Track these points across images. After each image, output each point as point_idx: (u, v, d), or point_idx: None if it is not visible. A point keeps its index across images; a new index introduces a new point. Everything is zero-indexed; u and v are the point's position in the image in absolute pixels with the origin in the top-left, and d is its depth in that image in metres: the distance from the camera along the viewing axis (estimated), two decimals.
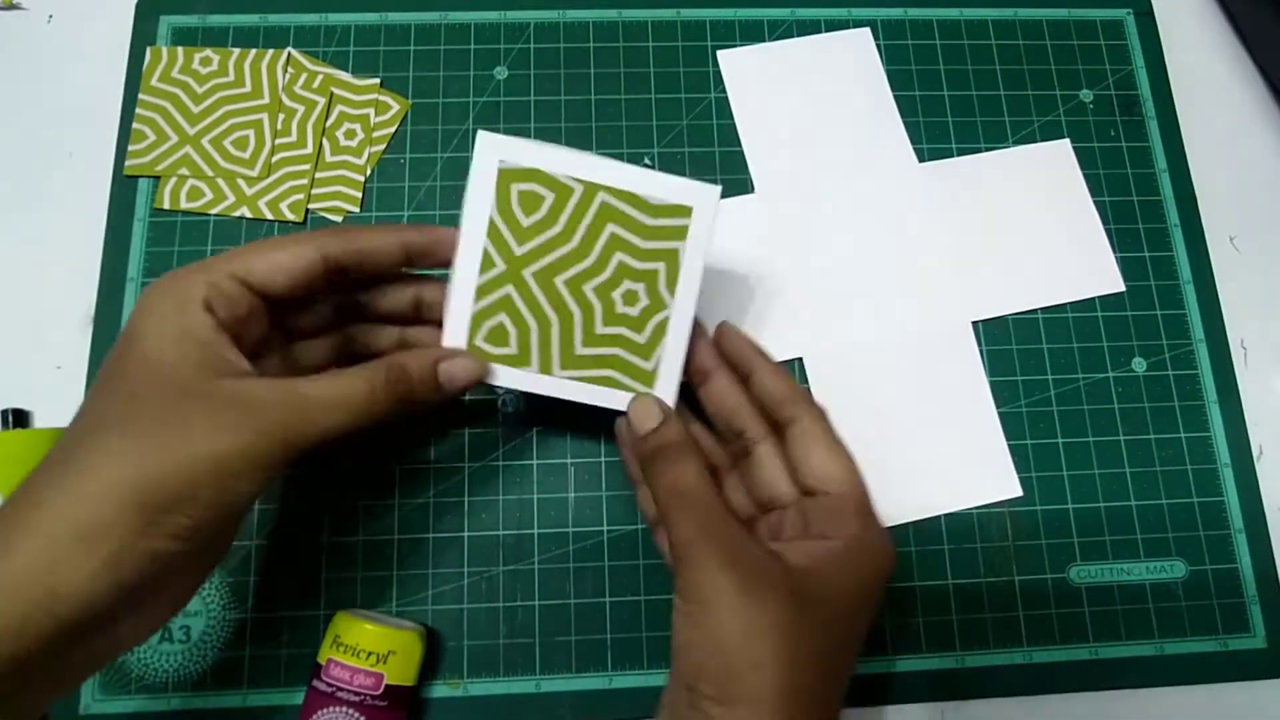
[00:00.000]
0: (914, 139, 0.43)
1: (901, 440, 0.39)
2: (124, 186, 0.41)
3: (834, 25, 0.45)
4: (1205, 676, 0.38)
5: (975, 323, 0.41)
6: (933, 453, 0.39)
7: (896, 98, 0.44)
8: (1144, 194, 0.44)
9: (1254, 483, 0.40)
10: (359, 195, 0.41)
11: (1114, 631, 0.38)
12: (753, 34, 0.45)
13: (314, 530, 0.37)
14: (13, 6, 0.44)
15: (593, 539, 0.38)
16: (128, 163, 0.41)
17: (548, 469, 0.38)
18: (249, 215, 0.40)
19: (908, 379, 0.40)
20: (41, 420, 0.38)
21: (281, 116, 0.41)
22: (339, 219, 0.41)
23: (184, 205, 0.40)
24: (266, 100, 0.42)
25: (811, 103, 0.44)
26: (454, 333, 0.32)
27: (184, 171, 0.40)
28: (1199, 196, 0.44)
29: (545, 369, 0.32)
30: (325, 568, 0.37)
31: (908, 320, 0.41)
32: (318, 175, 0.41)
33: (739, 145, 0.43)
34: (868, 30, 0.45)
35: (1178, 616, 0.38)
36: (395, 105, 0.42)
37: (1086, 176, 0.44)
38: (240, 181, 0.41)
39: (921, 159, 0.43)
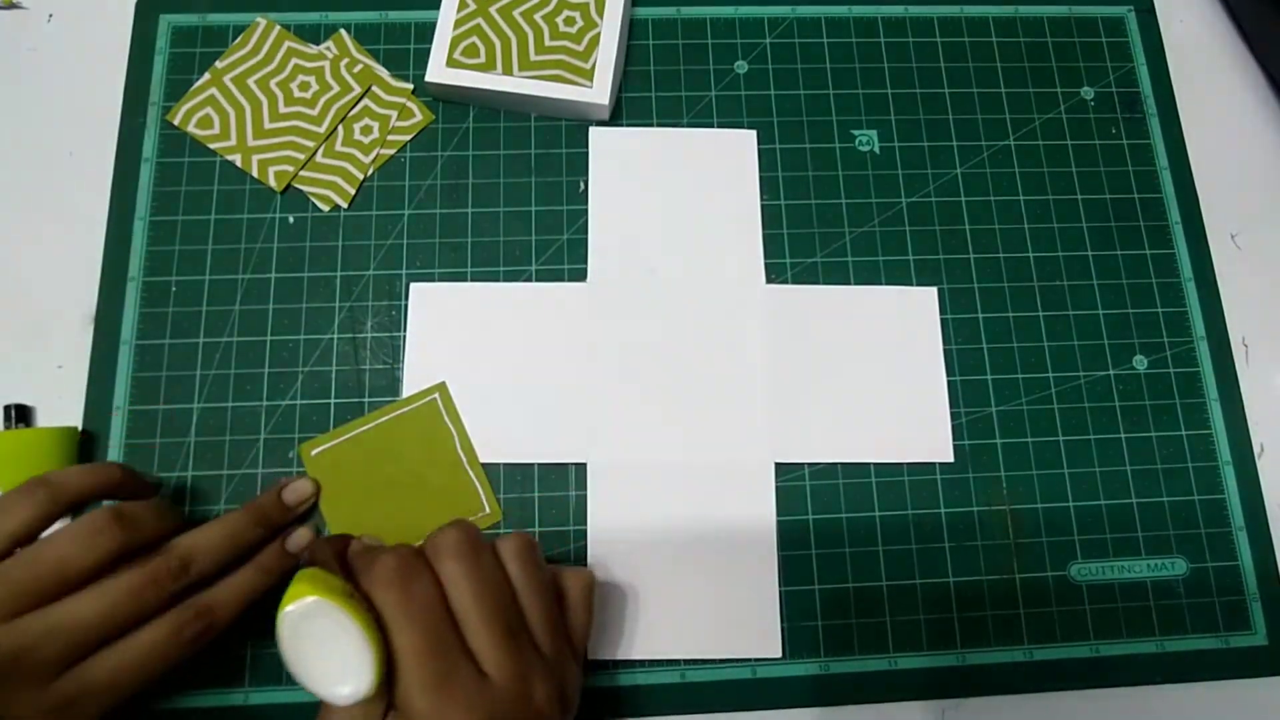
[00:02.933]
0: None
1: (677, 575, 0.37)
2: (124, 186, 0.41)
3: (835, 22, 0.45)
4: (1206, 674, 0.38)
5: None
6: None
7: (900, 96, 0.44)
8: (1145, 191, 0.43)
9: (1255, 480, 0.40)
10: (353, 192, 0.41)
11: (1115, 629, 0.38)
12: (752, 31, 0.45)
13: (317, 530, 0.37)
14: (13, 6, 0.44)
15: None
16: (172, 108, 0.42)
17: (548, 468, 0.38)
18: (239, 164, 0.41)
19: (694, 508, 0.38)
20: (43, 420, 0.38)
21: (333, 93, 0.42)
22: (326, 208, 0.41)
23: (191, 128, 0.41)
24: (336, 89, 0.42)
25: (672, 200, 0.42)
26: (438, 54, 0.41)
27: (213, 93, 0.41)
28: (1200, 194, 0.44)
29: (507, 72, 0.41)
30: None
31: (709, 447, 0.38)
32: (321, 159, 0.41)
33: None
34: (753, 133, 0.43)
35: (1179, 614, 0.38)
36: (419, 115, 0.42)
37: (1088, 175, 0.44)
38: (249, 130, 0.41)
39: (781, 278, 0.41)
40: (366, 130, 0.42)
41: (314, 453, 0.37)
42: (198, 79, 0.42)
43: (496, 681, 0.28)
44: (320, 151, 0.41)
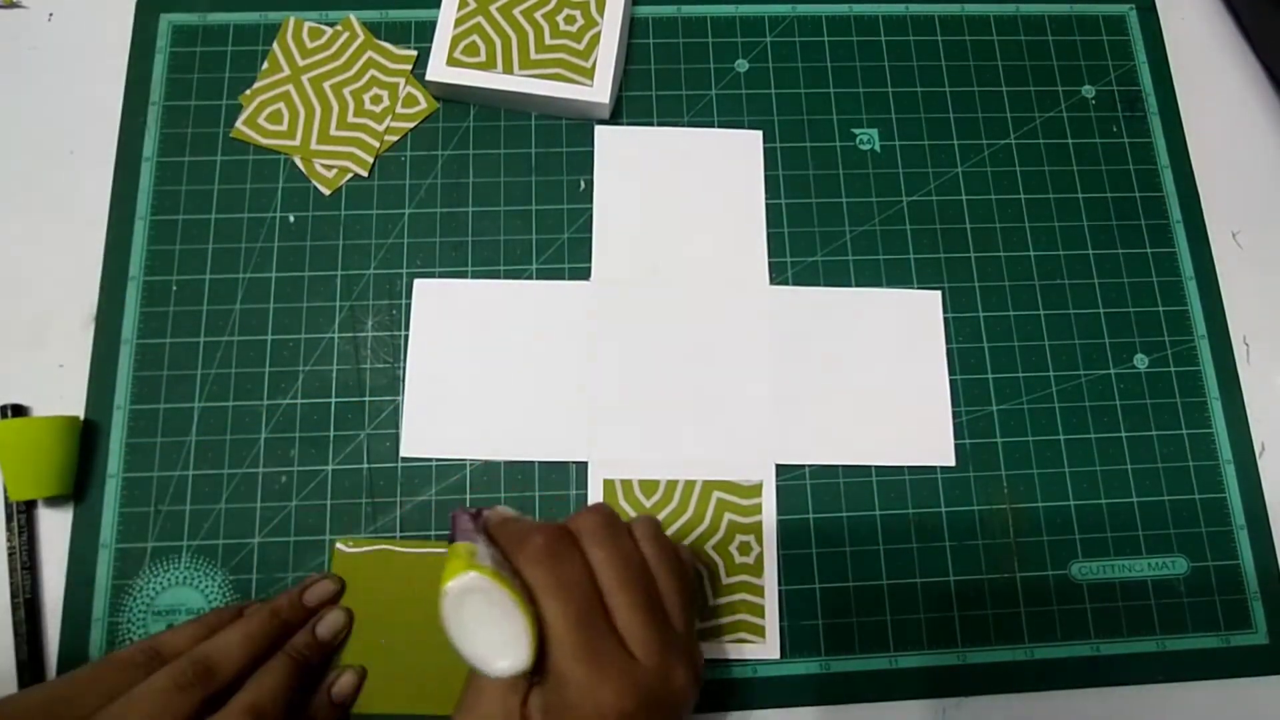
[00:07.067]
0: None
1: None
2: (125, 185, 0.41)
3: (836, 21, 0.45)
4: (1207, 673, 0.38)
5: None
6: None
7: (901, 94, 0.44)
8: (1146, 190, 0.43)
9: (1256, 479, 0.40)
10: (370, 160, 0.41)
11: (1116, 628, 0.38)
12: (753, 30, 0.45)
13: (318, 529, 0.37)
14: (13, 5, 0.44)
15: None
16: (240, 124, 0.42)
17: (549, 466, 0.38)
18: (299, 164, 0.41)
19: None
20: None
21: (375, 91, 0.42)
22: (347, 175, 0.41)
23: (262, 123, 0.41)
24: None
25: (677, 200, 0.42)
26: (438, 52, 0.41)
27: (286, 89, 0.42)
28: (1201, 192, 0.44)
29: (508, 70, 0.41)
30: (329, 564, 0.37)
31: (710, 446, 0.38)
32: (334, 133, 0.42)
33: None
34: (759, 134, 0.43)
35: (1179, 613, 0.38)
36: (424, 102, 0.42)
37: (1089, 173, 0.44)
38: (315, 131, 0.41)
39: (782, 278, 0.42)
40: (376, 100, 0.42)
41: (346, 551, 0.36)
42: (256, 74, 0.42)
43: (642, 660, 0.28)
44: (334, 124, 0.42)
